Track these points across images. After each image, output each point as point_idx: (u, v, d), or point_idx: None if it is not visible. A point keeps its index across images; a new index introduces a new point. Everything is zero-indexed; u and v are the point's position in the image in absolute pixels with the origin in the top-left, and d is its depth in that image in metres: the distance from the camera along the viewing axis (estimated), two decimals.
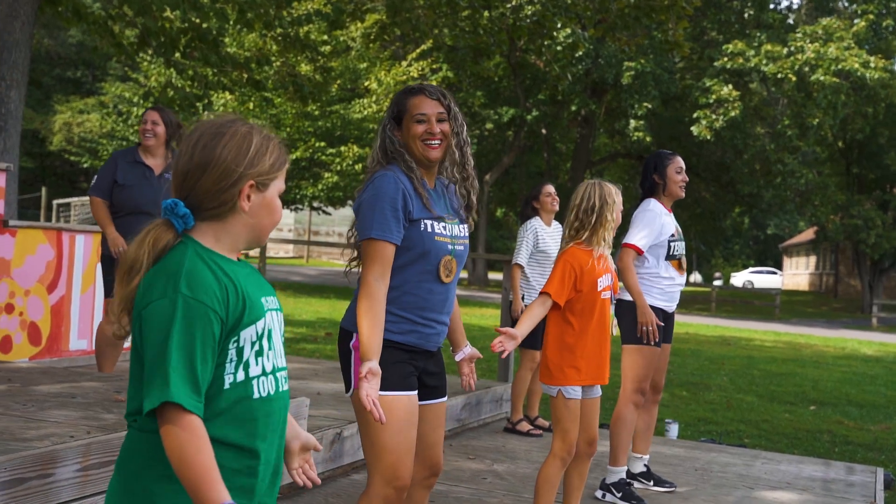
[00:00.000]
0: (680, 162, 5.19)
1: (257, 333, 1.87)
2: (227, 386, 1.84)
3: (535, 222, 6.55)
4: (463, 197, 3.11)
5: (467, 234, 3.14)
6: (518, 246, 6.57)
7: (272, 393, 1.91)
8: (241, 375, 1.85)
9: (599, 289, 3.97)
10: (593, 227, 4.01)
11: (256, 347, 1.88)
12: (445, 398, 3.18)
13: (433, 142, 2.98)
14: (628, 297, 4.99)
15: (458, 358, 3.25)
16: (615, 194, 4.08)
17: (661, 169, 5.11)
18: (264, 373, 1.90)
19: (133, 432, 1.87)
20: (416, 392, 3.00)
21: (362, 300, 2.88)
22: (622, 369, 5.05)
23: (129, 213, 5.55)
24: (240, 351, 1.85)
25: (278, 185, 1.95)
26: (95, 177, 5.67)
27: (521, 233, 6.58)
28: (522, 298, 6.52)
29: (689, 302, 31.09)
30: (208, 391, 1.81)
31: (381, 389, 2.90)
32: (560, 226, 6.60)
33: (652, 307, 4.97)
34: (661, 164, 5.12)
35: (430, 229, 2.98)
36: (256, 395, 1.87)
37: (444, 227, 3.02)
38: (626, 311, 4.99)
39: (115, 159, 5.67)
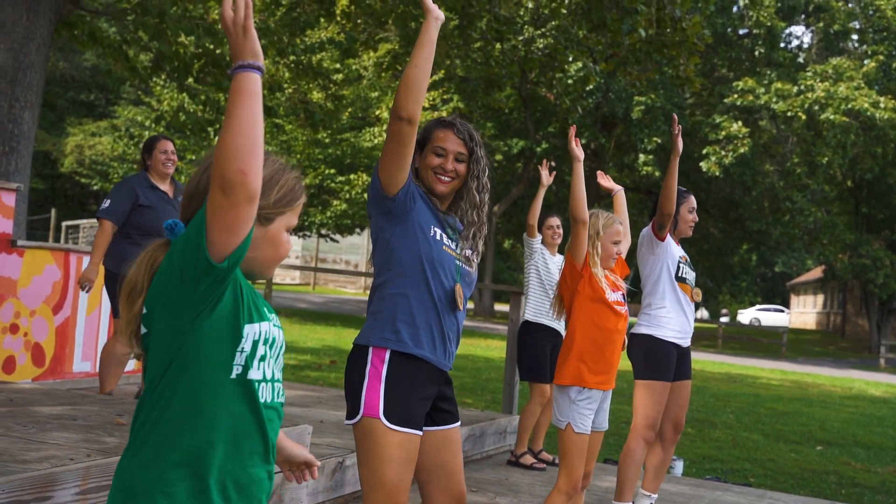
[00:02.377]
0: (693, 201, 5.19)
1: (260, 334, 1.86)
2: (233, 375, 1.82)
3: (542, 250, 6.61)
4: (472, 239, 3.09)
5: (468, 255, 3.11)
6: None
7: (268, 401, 1.89)
8: (252, 374, 1.84)
9: (611, 299, 4.02)
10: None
11: (260, 352, 1.86)
12: (459, 423, 3.13)
13: (444, 177, 3.01)
14: (640, 331, 4.98)
15: None
16: (602, 226, 4.14)
17: (675, 208, 5.10)
18: (265, 379, 1.88)
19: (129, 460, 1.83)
20: (421, 432, 2.95)
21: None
22: (633, 404, 5.01)
23: (151, 233, 5.67)
24: (254, 345, 1.85)
25: (285, 220, 1.93)
26: (108, 200, 5.74)
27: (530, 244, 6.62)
28: (525, 314, 6.56)
29: (696, 338, 30.88)
30: (214, 375, 1.80)
31: (392, 423, 2.86)
32: (562, 258, 6.62)
33: (665, 341, 4.95)
34: (676, 203, 5.10)
35: (438, 237, 2.97)
36: (261, 399, 1.86)
37: (452, 242, 3.02)
38: (638, 346, 4.96)
39: (131, 185, 5.82)
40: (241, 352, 1.82)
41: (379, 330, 2.93)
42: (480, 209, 3.06)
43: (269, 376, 1.89)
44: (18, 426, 4.20)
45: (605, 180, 4.87)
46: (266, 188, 1.87)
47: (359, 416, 2.89)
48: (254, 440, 1.85)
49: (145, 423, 1.82)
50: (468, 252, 3.07)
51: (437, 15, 2.81)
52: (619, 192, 4.80)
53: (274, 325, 1.92)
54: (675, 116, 4.81)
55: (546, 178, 5.81)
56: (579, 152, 4.09)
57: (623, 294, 4.20)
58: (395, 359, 2.89)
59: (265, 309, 1.91)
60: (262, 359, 1.87)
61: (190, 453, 1.78)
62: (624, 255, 4.47)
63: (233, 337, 1.81)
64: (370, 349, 2.92)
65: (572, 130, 4.13)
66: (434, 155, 3.01)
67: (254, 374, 1.85)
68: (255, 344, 1.85)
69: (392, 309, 2.93)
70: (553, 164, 5.78)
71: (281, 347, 1.96)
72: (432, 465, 3.03)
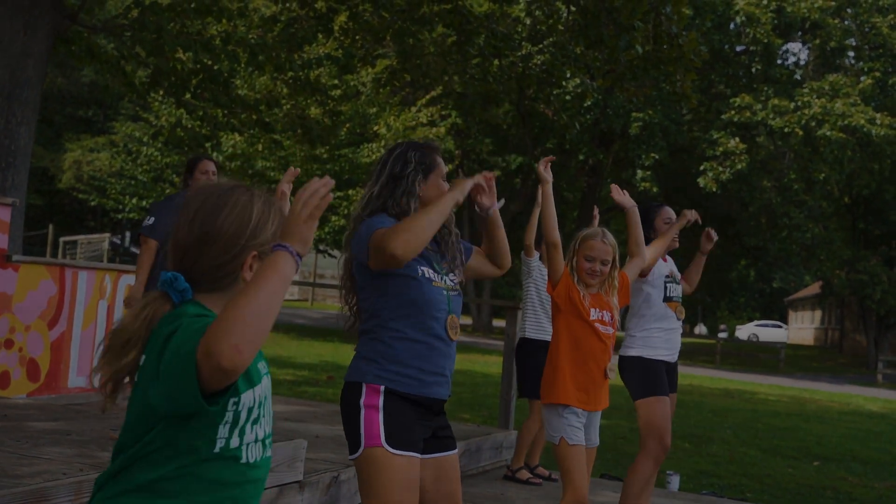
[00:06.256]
0: (668, 213, 5.20)
1: (255, 399, 1.81)
2: (216, 449, 1.77)
3: (540, 267, 6.64)
4: (458, 253, 3.14)
5: (456, 283, 3.14)
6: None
7: (258, 459, 1.85)
8: (234, 441, 1.78)
9: (593, 318, 4.02)
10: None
11: (255, 415, 1.82)
12: (456, 450, 3.14)
13: None
14: (630, 354, 4.97)
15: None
16: (578, 242, 4.17)
17: (649, 221, 5.13)
18: (257, 440, 1.84)
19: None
20: (420, 455, 2.96)
21: (410, 223, 2.87)
22: (640, 425, 4.99)
23: None
24: (237, 415, 1.77)
25: None
26: (151, 218, 5.53)
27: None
28: (524, 331, 6.56)
29: (694, 354, 30.91)
30: (193, 454, 1.74)
31: (394, 447, 2.87)
32: None
33: (654, 360, 4.94)
34: (649, 217, 5.14)
35: (427, 276, 3.00)
36: (244, 460, 1.81)
37: (437, 274, 3.05)
38: (630, 368, 4.95)
39: (173, 203, 5.60)
40: (226, 424, 1.76)
41: (372, 368, 2.94)
42: (452, 222, 3.15)
43: (261, 436, 1.84)
44: (11, 441, 4.19)
45: (618, 195, 4.50)
46: (261, 225, 1.86)
47: (361, 449, 2.90)
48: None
49: (119, 482, 1.76)
50: (453, 278, 3.10)
51: (458, 198, 2.96)
52: (631, 208, 4.49)
53: (265, 376, 1.86)
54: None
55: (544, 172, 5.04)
56: (548, 175, 4.04)
57: (612, 315, 4.15)
58: (391, 393, 2.92)
59: (258, 366, 1.83)
60: (256, 421, 1.82)
61: None
62: (632, 278, 4.39)
63: (214, 418, 1.74)
64: (363, 386, 2.93)
65: (548, 160, 4.05)
66: (444, 181, 3.10)
67: (247, 438, 1.80)
68: (249, 411, 1.79)
69: (383, 352, 2.95)
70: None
71: (269, 395, 1.91)
72: (437, 496, 3.02)
